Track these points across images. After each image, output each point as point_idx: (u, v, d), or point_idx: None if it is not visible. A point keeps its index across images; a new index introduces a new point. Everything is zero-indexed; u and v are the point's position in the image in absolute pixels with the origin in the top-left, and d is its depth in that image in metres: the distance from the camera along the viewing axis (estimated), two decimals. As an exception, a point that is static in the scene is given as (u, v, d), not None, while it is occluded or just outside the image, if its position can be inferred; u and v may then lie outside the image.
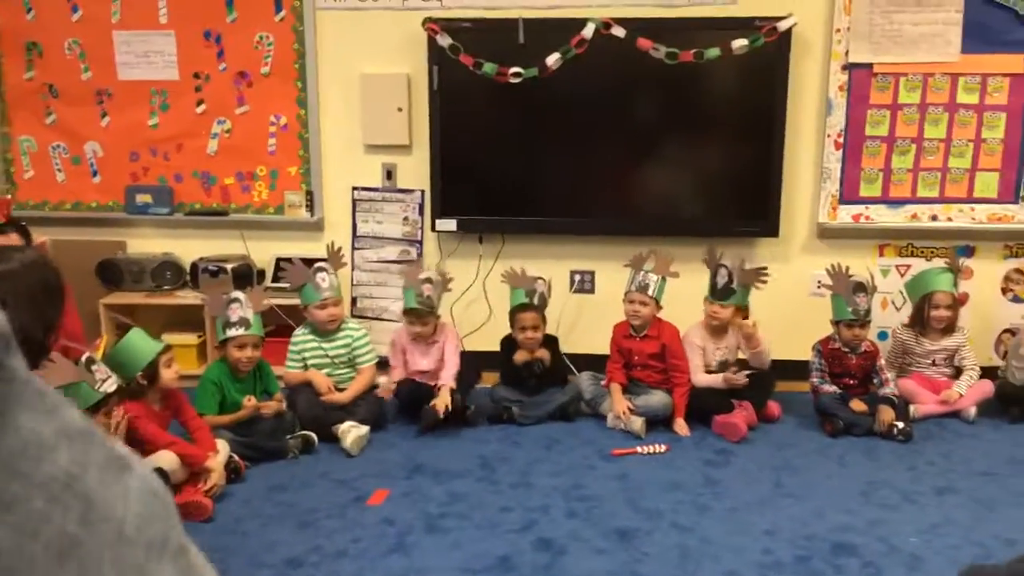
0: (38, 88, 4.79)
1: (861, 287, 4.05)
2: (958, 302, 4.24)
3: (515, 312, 4.23)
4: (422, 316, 4.11)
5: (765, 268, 4.14)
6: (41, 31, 4.73)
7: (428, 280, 4.09)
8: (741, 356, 4.27)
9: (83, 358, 2.95)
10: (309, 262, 4.18)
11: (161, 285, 4.70)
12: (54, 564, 0.33)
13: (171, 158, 4.83)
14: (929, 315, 4.25)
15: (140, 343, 3.38)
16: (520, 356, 4.19)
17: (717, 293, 4.14)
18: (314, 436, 3.80)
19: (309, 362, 4.12)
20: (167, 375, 3.39)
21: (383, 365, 4.32)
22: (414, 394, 4.06)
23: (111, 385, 2.99)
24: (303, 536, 3.02)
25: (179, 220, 4.86)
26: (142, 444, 3.23)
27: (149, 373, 3.35)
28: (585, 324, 4.67)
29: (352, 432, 3.75)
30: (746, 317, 4.24)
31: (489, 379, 4.31)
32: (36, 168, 4.91)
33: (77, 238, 4.81)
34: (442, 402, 3.92)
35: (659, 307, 4.15)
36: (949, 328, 4.28)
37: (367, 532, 3.04)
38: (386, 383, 4.21)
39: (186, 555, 0.39)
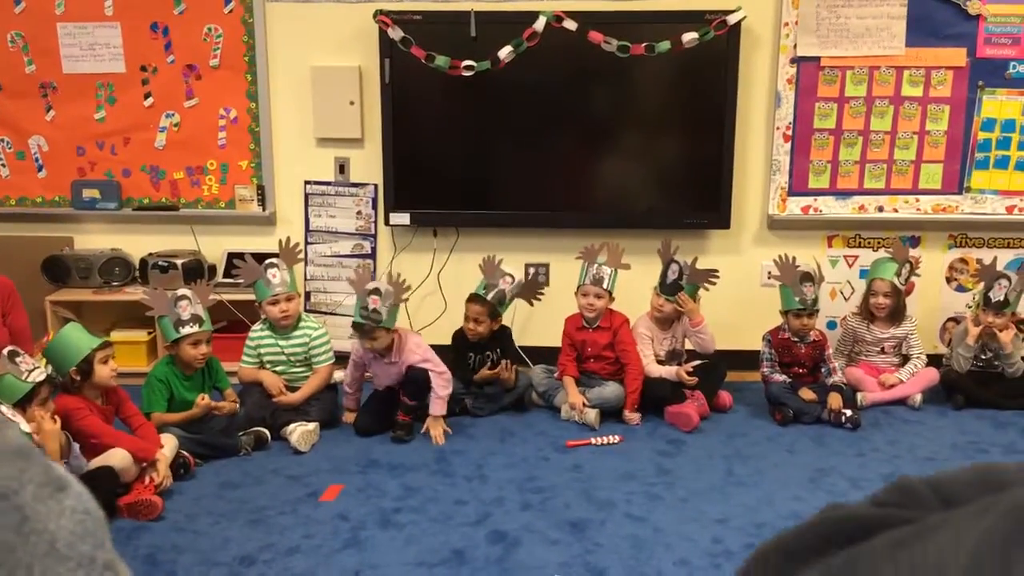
0: (-20, 81, 4.69)
1: (808, 277, 4.11)
2: (900, 291, 4.31)
3: (467, 302, 4.23)
4: (368, 332, 3.84)
5: (716, 271, 4.16)
6: (-18, 23, 4.62)
7: (376, 291, 3.78)
8: (689, 347, 4.32)
9: (5, 351, 2.91)
10: (262, 257, 4.14)
11: (109, 281, 4.63)
12: None
13: (118, 152, 4.75)
14: (868, 302, 4.35)
15: (75, 337, 3.32)
16: (483, 375, 4.18)
17: (665, 288, 4.18)
18: (266, 432, 3.77)
19: (265, 359, 4.07)
20: (102, 372, 3.32)
21: (340, 359, 4.29)
22: (379, 412, 3.98)
23: (39, 375, 2.95)
24: (255, 533, 3.00)
25: (127, 215, 4.78)
26: (87, 438, 3.18)
27: (83, 369, 3.29)
28: (540, 317, 4.68)
29: (298, 429, 3.74)
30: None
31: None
32: (-21, 163, 4.81)
33: (22, 234, 4.73)
34: (436, 434, 3.82)
35: (612, 299, 4.18)
36: (896, 316, 4.36)
37: (320, 528, 3.03)
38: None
39: (113, 572, 0.41)
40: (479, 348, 4.24)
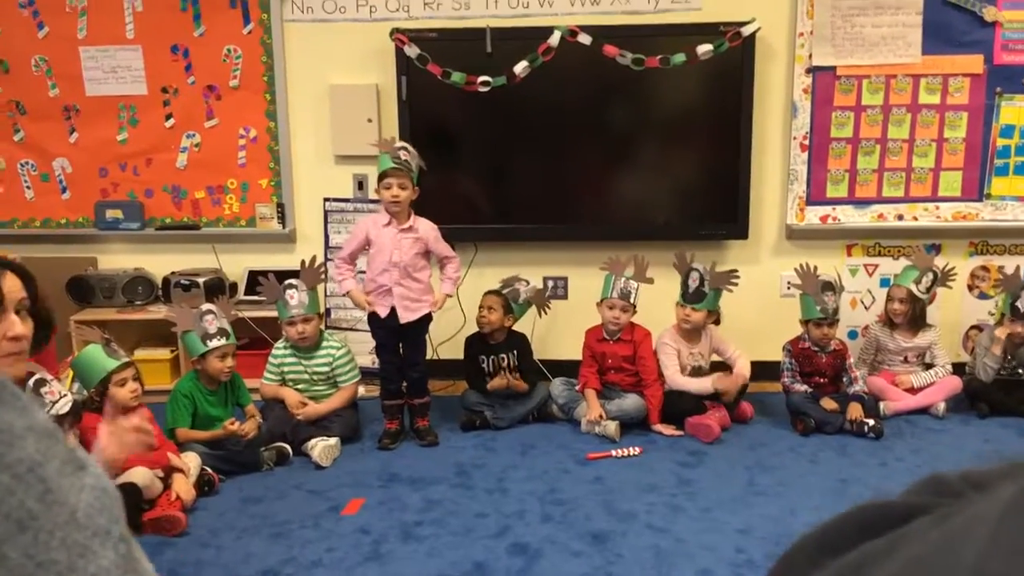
0: (5, 105, 4.77)
1: (829, 286, 4.10)
2: (918, 299, 4.28)
3: (483, 295, 4.32)
4: (398, 175, 3.73)
5: (736, 271, 4.17)
6: (7, 48, 4.71)
7: (405, 148, 3.80)
8: (716, 359, 4.31)
9: (31, 381, 2.92)
10: (285, 275, 4.16)
11: (133, 300, 4.68)
12: (14, 531, 0.39)
13: (141, 173, 4.82)
14: (886, 308, 4.35)
15: (92, 360, 3.37)
16: (496, 383, 4.20)
17: (689, 297, 4.16)
18: (288, 448, 3.79)
19: (288, 377, 4.10)
20: (119, 395, 3.35)
21: (362, 375, 4.32)
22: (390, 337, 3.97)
23: (64, 406, 2.95)
24: (277, 547, 3.01)
25: (150, 235, 4.84)
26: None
27: (101, 391, 3.34)
28: (559, 330, 4.69)
29: (319, 444, 3.75)
30: (718, 321, 4.29)
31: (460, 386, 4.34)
32: (5, 185, 4.88)
33: (47, 255, 4.77)
34: (439, 299, 3.94)
35: (635, 311, 4.18)
36: (916, 324, 4.33)
37: (342, 541, 3.04)
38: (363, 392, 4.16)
39: (127, 544, 0.45)
40: (492, 350, 4.27)
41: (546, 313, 4.45)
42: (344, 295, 4.02)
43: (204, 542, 3.08)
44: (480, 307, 4.27)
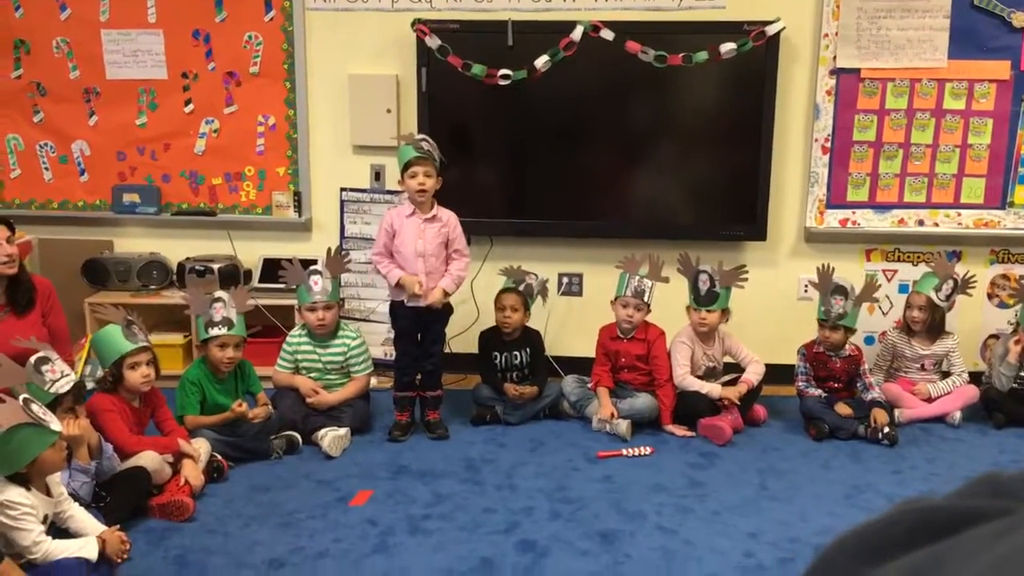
0: (25, 86, 4.78)
1: (840, 290, 4.04)
2: (937, 306, 4.23)
3: (498, 296, 4.30)
4: (424, 163, 3.74)
5: (744, 267, 4.12)
6: (29, 29, 4.71)
7: (425, 139, 3.83)
8: (728, 360, 4.27)
9: (33, 359, 2.93)
10: (308, 263, 4.16)
11: (147, 285, 4.69)
12: None
13: (159, 157, 4.82)
14: (905, 315, 4.30)
15: (109, 340, 3.36)
16: (510, 390, 4.17)
17: (702, 300, 4.11)
18: (298, 437, 3.79)
19: (301, 365, 4.09)
20: (131, 378, 3.34)
21: (375, 366, 4.31)
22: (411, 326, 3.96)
23: (64, 385, 2.95)
24: (285, 536, 3.00)
25: (166, 220, 4.84)
26: (109, 439, 3.19)
27: (114, 373, 3.33)
28: (573, 327, 4.67)
29: (329, 434, 3.75)
30: (727, 320, 4.24)
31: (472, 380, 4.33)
32: (23, 166, 4.89)
33: (63, 237, 4.79)
34: (434, 294, 3.81)
35: (649, 310, 4.15)
36: (934, 332, 4.29)
37: (349, 533, 3.03)
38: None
39: None
40: (507, 347, 4.26)
41: (544, 301, 4.46)
42: (396, 286, 3.90)
43: (211, 529, 3.07)
44: (503, 308, 4.24)
